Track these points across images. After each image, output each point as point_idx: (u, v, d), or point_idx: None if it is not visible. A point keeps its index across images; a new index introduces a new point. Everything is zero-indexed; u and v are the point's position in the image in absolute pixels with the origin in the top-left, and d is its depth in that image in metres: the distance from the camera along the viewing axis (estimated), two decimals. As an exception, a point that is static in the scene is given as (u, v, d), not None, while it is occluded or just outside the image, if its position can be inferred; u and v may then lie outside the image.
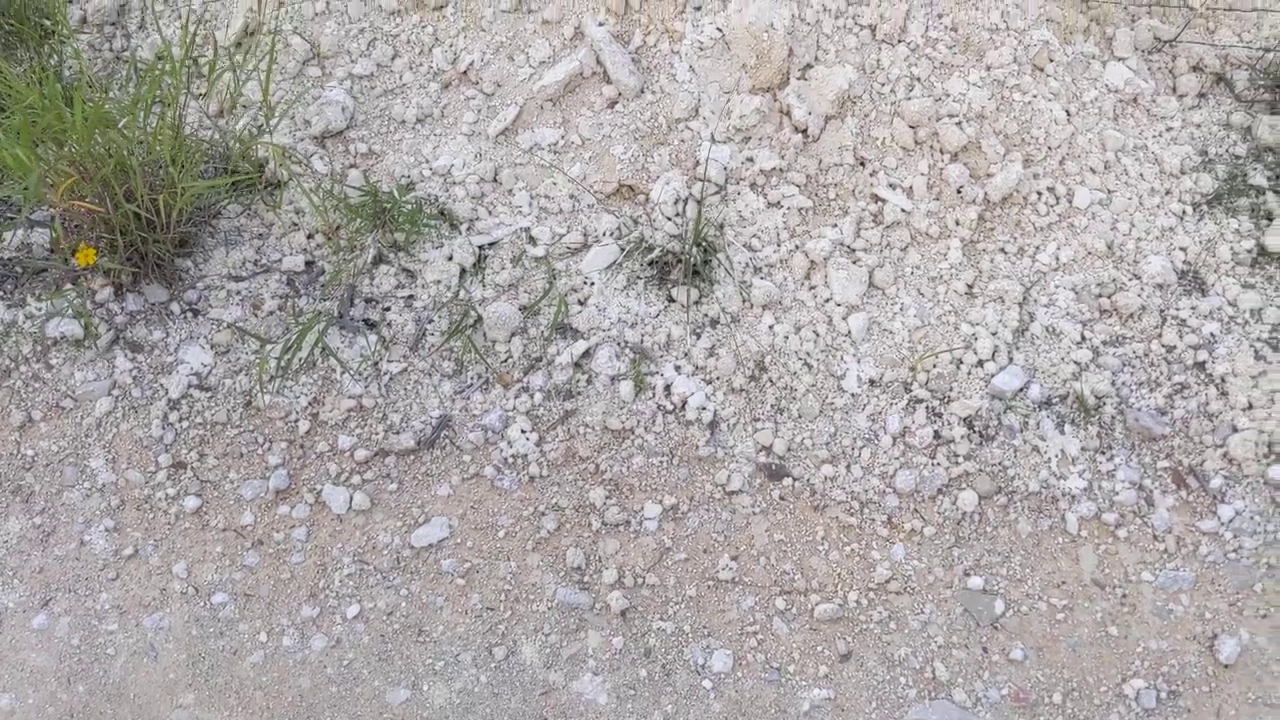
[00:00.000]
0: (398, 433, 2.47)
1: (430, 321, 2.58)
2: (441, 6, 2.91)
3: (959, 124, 2.68)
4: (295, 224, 2.70)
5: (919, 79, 2.72)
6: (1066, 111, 2.74)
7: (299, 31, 2.90)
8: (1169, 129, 2.83)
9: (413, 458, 2.45)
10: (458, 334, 2.54)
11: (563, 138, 2.77)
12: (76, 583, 2.33)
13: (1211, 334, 2.55)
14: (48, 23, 2.84)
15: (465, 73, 2.87)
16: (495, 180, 2.75)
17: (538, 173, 2.74)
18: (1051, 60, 2.77)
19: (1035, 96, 2.72)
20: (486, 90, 2.84)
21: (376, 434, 2.47)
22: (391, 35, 2.91)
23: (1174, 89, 2.90)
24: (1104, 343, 2.55)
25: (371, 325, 2.57)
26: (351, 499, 2.40)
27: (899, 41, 2.74)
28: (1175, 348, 2.54)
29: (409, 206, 2.62)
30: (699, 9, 2.79)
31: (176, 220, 2.51)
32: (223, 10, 2.95)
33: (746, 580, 2.32)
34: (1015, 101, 2.71)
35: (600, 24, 2.81)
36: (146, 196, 2.43)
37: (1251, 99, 2.90)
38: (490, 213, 2.71)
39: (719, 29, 2.73)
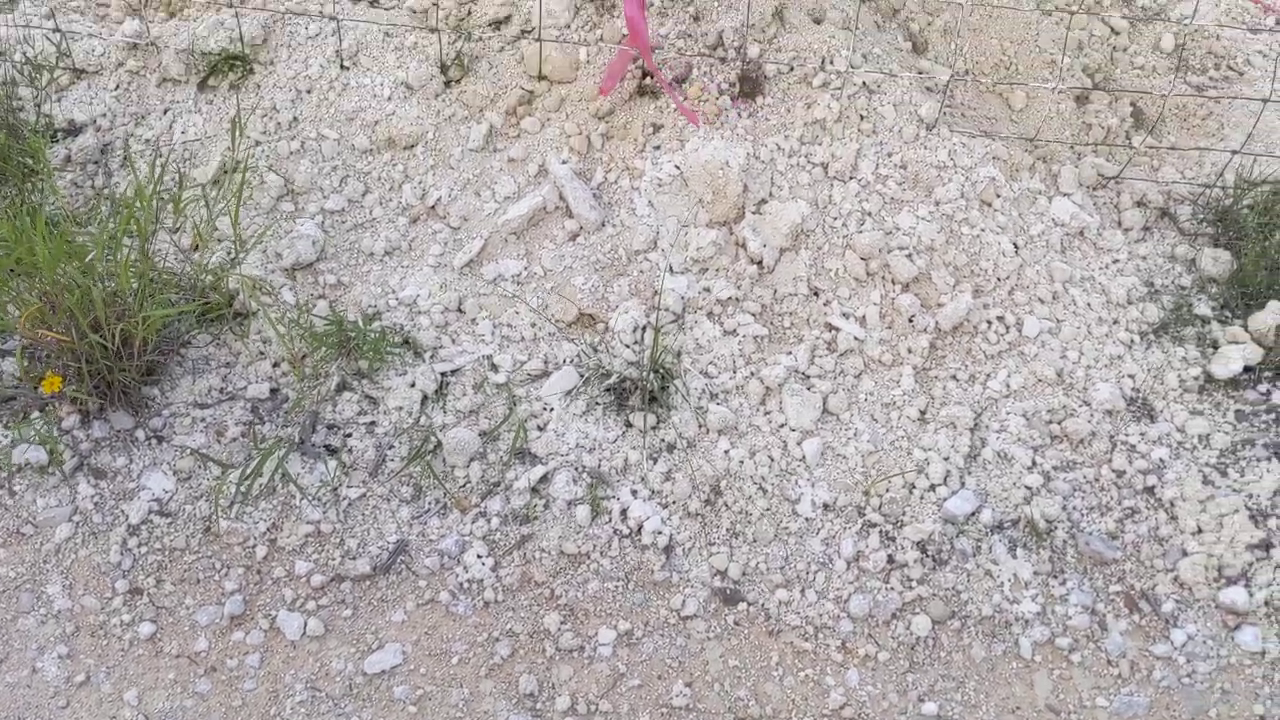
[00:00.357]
0: (354, 558, 2.48)
1: (391, 447, 2.61)
2: (412, 146, 3.03)
3: (909, 256, 2.77)
4: (262, 353, 2.75)
5: (870, 213, 2.82)
6: (1014, 244, 2.83)
7: (274, 169, 3.01)
8: (1115, 261, 2.92)
9: (368, 583, 2.46)
10: (417, 459, 2.57)
11: (526, 269, 2.85)
12: (26, 710, 2.31)
13: (1160, 459, 2.58)
14: (30, 161, 2.94)
15: (433, 208, 2.97)
16: (459, 310, 2.82)
17: (501, 302, 2.81)
18: (998, 195, 2.87)
19: (983, 230, 2.82)
20: (453, 224, 2.94)
21: (333, 559, 2.48)
22: (363, 172, 3.02)
23: (1119, 223, 3.00)
24: (1055, 468, 2.59)
25: (332, 451, 2.61)
26: (306, 625, 2.40)
27: (850, 178, 2.85)
28: (1125, 473, 2.58)
29: (373, 335, 2.68)
30: (658, 148, 2.91)
31: (142, 349, 2.57)
32: (201, 149, 3.07)
33: (700, 707, 2.31)
34: (964, 235, 2.81)
35: (564, 162, 2.93)
36: (113, 326, 2.49)
37: (1195, 232, 3.00)
38: (454, 341, 2.77)
39: (677, 166, 2.83)
